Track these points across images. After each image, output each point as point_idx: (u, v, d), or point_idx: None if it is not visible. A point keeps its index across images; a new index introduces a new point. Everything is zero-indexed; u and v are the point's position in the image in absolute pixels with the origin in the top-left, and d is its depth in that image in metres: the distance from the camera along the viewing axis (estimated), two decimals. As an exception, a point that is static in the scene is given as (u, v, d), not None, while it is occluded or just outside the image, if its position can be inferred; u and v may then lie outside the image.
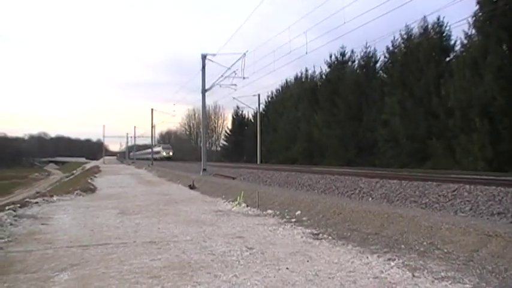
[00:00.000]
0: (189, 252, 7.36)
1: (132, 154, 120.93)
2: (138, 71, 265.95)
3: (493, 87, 25.60)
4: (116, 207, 14.11)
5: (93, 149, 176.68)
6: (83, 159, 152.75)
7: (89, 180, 28.80)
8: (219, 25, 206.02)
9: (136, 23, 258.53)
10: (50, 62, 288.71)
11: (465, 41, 31.84)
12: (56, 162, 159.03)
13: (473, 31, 30.55)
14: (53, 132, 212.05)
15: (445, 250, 6.98)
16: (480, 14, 28.99)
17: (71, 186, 22.37)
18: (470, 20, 30.09)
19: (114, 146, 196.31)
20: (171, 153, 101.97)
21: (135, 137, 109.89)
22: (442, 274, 5.85)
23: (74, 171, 70.28)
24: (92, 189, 21.01)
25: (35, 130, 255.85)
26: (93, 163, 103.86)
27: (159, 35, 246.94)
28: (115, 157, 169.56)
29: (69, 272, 6.14)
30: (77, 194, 18.31)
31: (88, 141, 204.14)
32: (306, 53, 30.04)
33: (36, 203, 14.95)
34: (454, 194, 11.31)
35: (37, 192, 27.63)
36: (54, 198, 16.69)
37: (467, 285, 5.40)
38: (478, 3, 29.10)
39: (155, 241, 8.38)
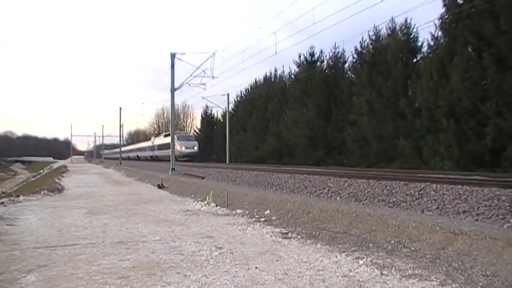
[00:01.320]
0: (158, 252, 7.33)
1: (105, 153, 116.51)
2: (107, 69, 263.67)
3: (459, 89, 25.99)
4: (83, 207, 13.96)
5: (61, 148, 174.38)
6: (50, 159, 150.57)
7: (57, 180, 28.44)
8: (189, 24, 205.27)
9: (105, 20, 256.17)
10: (16, 59, 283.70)
11: (432, 43, 32.27)
12: (22, 162, 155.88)
13: (440, 33, 31.00)
14: (19, 131, 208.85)
15: (413, 248, 7.08)
16: (446, 16, 29.39)
17: (38, 186, 22.05)
18: (437, 22, 30.55)
19: (82, 145, 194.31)
20: (196, 148, 65.45)
21: (103, 136, 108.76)
22: (410, 272, 5.93)
23: (41, 171, 69.24)
24: (59, 189, 20.75)
25: (0, 129, 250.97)
26: (60, 162, 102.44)
27: (129, 32, 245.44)
28: (83, 156, 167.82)
29: (36, 274, 6.06)
30: (44, 193, 18.07)
31: (55, 140, 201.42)
32: (276, 53, 30.23)
33: (2, 203, 14.73)
34: (421, 193, 11.45)
35: (3, 192, 27.15)
36: (21, 198, 16.44)
37: (434, 282, 5.48)
38: (444, 5, 29.52)
39: (124, 241, 8.32)
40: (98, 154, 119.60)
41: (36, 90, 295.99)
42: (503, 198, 9.60)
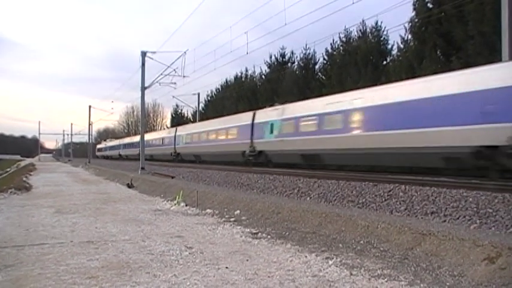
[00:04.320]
0: (128, 251, 7.28)
1: (102, 147, 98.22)
2: (76, 66, 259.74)
3: (428, 91, 26.40)
4: (52, 206, 13.79)
5: (29, 146, 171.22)
6: (17, 157, 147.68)
7: (24, 178, 28.01)
8: (160, 22, 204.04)
9: (75, 16, 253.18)
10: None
11: (402, 46, 32.72)
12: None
13: (410, 36, 31.45)
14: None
15: (381, 248, 7.15)
16: (416, 20, 29.84)
17: (4, 184, 21.65)
18: (407, 26, 31.00)
19: (50, 143, 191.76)
20: None
21: (71, 134, 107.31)
22: (379, 272, 5.99)
23: (8, 169, 68.07)
24: (27, 188, 20.44)
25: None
26: (28, 161, 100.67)
27: (99, 29, 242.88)
28: (51, 155, 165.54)
29: (3, 274, 5.96)
30: (11, 192, 17.77)
31: (23, 137, 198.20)
32: (247, 53, 30.18)
33: (-33, 201, 14.44)
34: (389, 194, 11.55)
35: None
36: (-14, 196, 16.17)
37: (403, 282, 5.54)
38: (414, 9, 29.97)
39: (93, 241, 8.24)
40: (67, 152, 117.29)
41: (3, 86, 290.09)
42: (470, 199, 9.75)
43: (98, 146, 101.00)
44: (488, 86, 15.43)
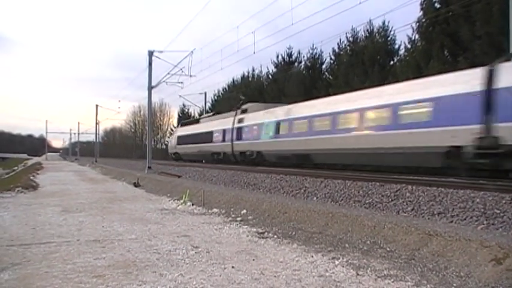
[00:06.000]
0: (134, 251, 7.29)
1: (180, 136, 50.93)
2: (83, 65, 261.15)
3: (435, 91, 26.31)
4: (58, 204, 13.83)
5: (36, 145, 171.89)
6: (24, 156, 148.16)
7: (31, 177, 28.10)
8: (167, 22, 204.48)
9: (82, 15, 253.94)
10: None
11: (409, 46, 32.63)
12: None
13: (417, 36, 31.37)
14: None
15: (388, 249, 7.14)
16: (424, 19, 29.78)
17: (11, 182, 21.72)
18: (414, 26, 30.92)
19: (57, 142, 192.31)
20: None
21: (78, 133, 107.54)
22: (385, 272, 5.98)
23: (15, 168, 68.30)
24: (34, 186, 20.51)
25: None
26: (35, 159, 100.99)
27: (106, 29, 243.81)
28: (58, 154, 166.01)
29: (10, 272, 5.98)
30: (18, 191, 17.84)
31: (30, 136, 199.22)
32: (254, 52, 30.17)
33: (-26, 200, 14.48)
34: (396, 195, 11.52)
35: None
36: (-6, 195, 16.21)
37: (409, 283, 5.53)
38: (421, 9, 29.90)
39: (99, 239, 8.26)
40: (74, 151, 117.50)
41: (11, 84, 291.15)
42: (477, 200, 9.71)
43: (180, 133, 51.45)
44: None
